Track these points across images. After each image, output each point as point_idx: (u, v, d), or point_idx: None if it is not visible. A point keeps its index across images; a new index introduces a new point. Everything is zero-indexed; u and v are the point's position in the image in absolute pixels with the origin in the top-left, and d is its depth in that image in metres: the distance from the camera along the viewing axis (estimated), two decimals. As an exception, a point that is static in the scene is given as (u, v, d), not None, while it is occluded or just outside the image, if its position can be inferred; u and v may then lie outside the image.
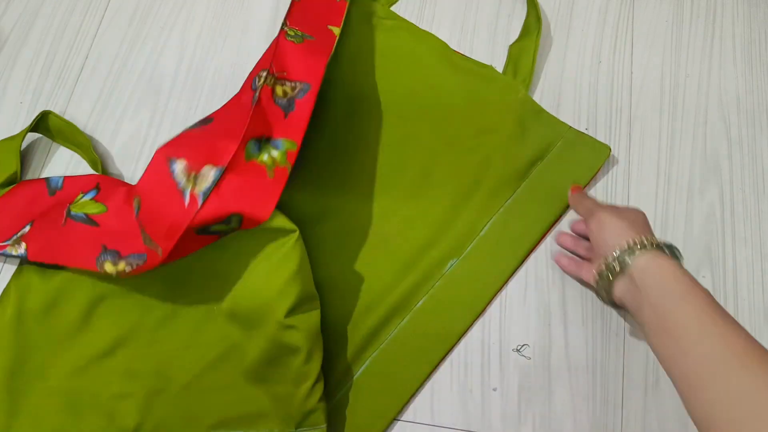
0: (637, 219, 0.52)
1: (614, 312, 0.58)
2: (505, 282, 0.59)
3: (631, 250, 0.48)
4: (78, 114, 0.68)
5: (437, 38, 0.69)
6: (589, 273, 0.54)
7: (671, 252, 0.49)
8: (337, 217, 0.61)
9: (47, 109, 0.67)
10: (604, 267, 0.50)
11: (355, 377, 0.55)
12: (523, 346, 0.56)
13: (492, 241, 0.60)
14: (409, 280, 0.58)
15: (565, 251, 0.60)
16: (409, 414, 0.55)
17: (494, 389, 0.55)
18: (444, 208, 0.61)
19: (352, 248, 0.60)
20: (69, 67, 0.70)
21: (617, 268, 0.49)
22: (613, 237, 0.50)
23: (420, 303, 0.58)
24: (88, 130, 0.67)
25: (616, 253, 0.49)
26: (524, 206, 0.61)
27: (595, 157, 0.62)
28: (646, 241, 0.49)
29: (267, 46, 0.67)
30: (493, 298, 0.58)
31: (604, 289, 0.51)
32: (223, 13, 0.73)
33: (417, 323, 0.57)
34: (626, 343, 0.57)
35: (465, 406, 0.55)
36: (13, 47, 0.72)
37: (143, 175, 0.52)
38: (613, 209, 0.53)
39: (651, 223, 0.53)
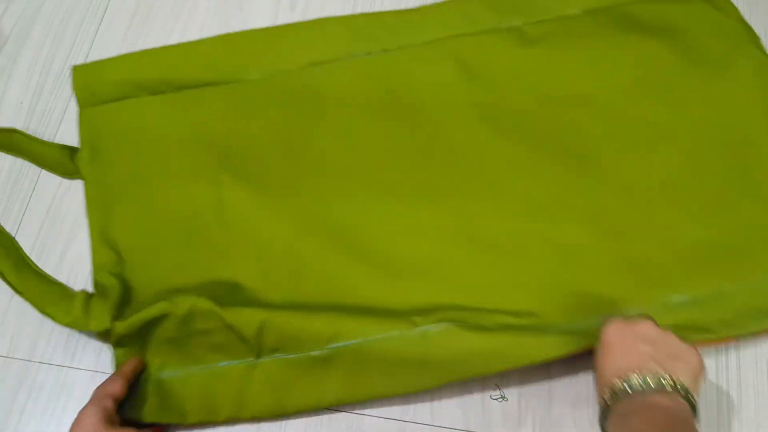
0: (648, 334, 0.46)
1: (615, 312, 0.58)
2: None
3: (630, 384, 0.43)
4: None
5: None
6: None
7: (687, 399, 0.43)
8: None
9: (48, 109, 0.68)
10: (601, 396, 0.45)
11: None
12: (500, 398, 0.55)
13: None
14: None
15: None
16: (409, 414, 0.55)
17: (494, 390, 0.55)
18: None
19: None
20: (69, 67, 0.70)
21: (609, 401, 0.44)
22: (618, 360, 0.45)
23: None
24: (88, 130, 0.67)
25: (615, 382, 0.44)
26: None
27: None
28: (656, 378, 0.43)
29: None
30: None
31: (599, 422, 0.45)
32: (223, 13, 0.73)
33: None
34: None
35: (465, 406, 0.55)
36: (13, 47, 0.72)
37: None
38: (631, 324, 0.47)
39: None
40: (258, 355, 0.55)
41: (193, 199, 0.62)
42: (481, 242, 0.59)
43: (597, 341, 0.48)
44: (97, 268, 0.60)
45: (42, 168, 0.65)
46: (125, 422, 0.51)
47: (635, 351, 0.45)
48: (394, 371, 0.53)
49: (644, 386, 0.43)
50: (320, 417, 0.55)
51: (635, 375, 0.43)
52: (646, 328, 0.47)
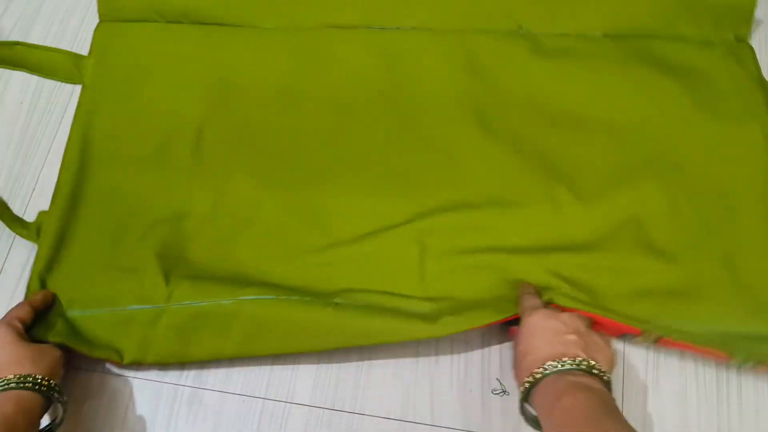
0: (573, 326, 0.49)
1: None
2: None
3: (563, 366, 0.46)
4: (78, 114, 0.68)
5: None
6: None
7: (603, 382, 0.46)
8: None
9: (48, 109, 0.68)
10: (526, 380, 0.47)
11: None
12: (501, 392, 0.56)
13: None
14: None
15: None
16: (409, 414, 0.55)
17: (494, 389, 0.55)
18: None
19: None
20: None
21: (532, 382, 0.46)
22: (544, 346, 0.48)
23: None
24: (88, 130, 0.68)
25: (550, 364, 0.46)
26: None
27: None
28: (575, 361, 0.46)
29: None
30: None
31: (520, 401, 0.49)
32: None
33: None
34: (626, 342, 0.57)
35: (465, 406, 0.55)
36: (13, 47, 0.72)
37: None
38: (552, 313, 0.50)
39: None
40: (168, 301, 0.55)
41: (177, 124, 0.65)
42: (432, 248, 0.59)
43: (514, 321, 0.52)
44: (63, 166, 0.63)
45: (44, 76, 0.70)
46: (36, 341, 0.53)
47: (565, 339, 0.48)
48: (294, 331, 0.55)
49: (576, 370, 0.45)
50: (320, 416, 0.55)
51: (568, 359, 0.46)
52: (573, 320, 0.49)
